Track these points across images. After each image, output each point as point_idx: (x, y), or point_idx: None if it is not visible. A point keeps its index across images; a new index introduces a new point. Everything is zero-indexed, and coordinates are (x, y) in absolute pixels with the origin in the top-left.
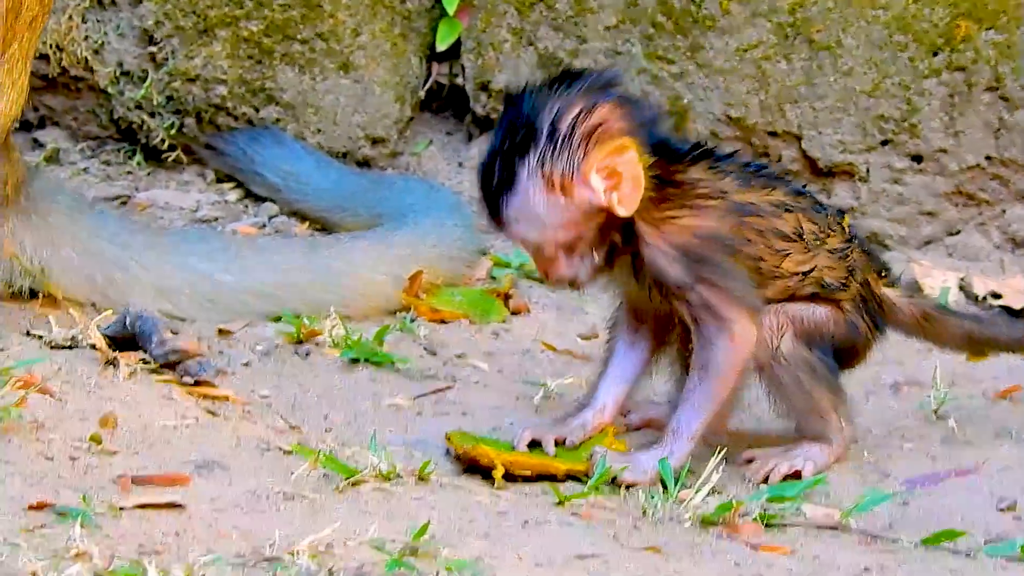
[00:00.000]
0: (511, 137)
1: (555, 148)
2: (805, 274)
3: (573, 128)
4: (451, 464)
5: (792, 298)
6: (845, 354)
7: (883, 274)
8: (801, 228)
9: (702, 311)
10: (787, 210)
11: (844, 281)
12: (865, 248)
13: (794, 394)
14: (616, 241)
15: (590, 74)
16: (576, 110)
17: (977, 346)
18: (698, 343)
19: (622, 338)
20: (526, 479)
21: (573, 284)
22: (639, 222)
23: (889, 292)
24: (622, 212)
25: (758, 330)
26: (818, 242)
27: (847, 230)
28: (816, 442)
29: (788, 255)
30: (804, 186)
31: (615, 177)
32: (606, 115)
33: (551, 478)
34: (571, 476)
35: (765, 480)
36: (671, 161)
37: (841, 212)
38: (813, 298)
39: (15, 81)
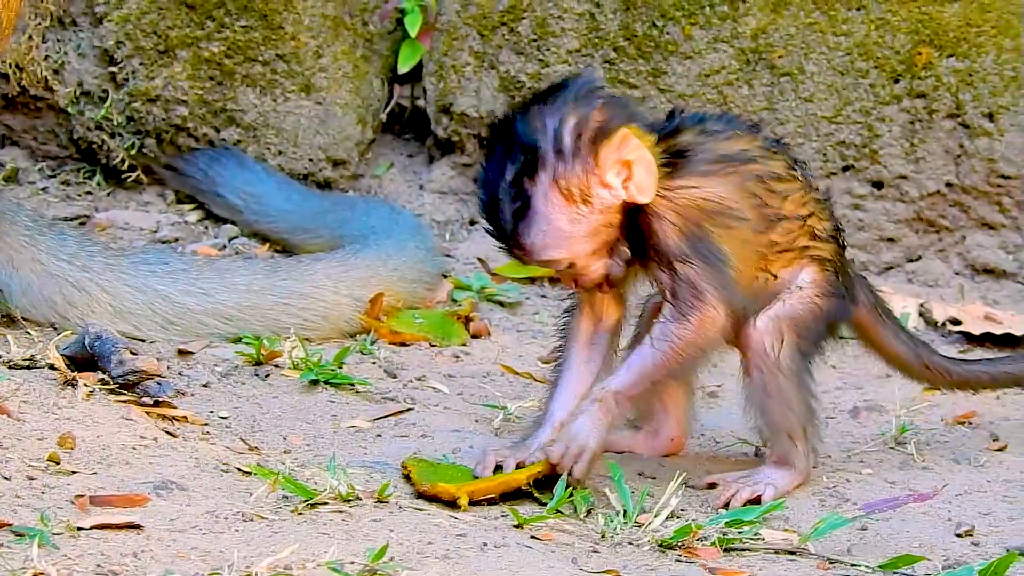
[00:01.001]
0: (513, 164)
1: (565, 161)
2: (804, 219)
3: (578, 137)
4: (410, 487)
5: (785, 251)
6: (822, 339)
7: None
8: (794, 167)
9: (685, 288)
10: (774, 154)
11: (832, 233)
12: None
13: (778, 408)
14: (632, 227)
15: (569, 84)
16: (573, 120)
17: (898, 365)
18: (668, 315)
19: (576, 351)
20: (491, 502)
21: (608, 282)
22: (653, 199)
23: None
24: (643, 199)
25: (728, 321)
26: (807, 187)
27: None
28: (779, 466)
29: (788, 196)
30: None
31: (627, 168)
32: (601, 116)
33: (516, 493)
34: (537, 482)
35: (726, 505)
36: (663, 136)
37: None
38: (799, 255)
39: None
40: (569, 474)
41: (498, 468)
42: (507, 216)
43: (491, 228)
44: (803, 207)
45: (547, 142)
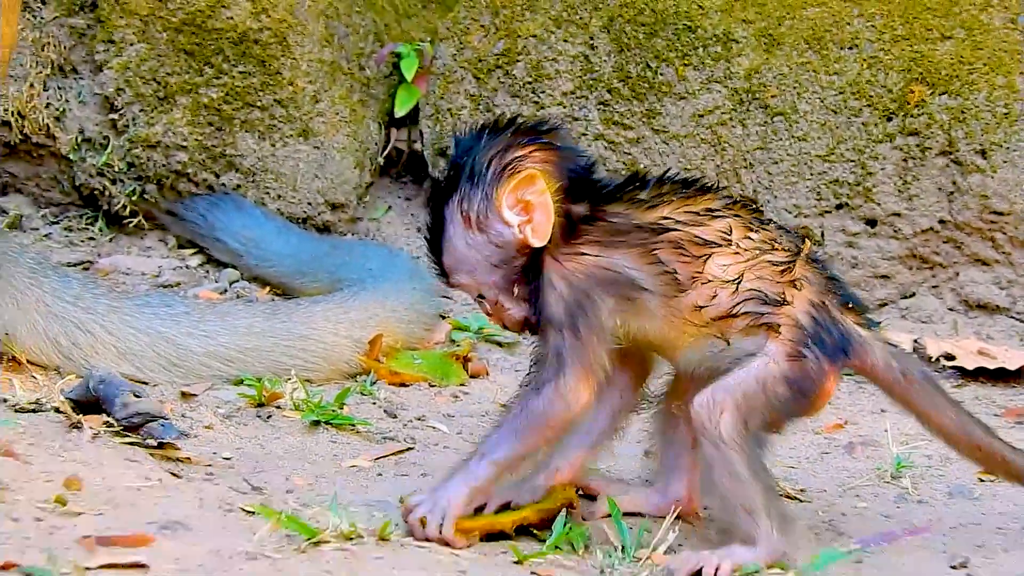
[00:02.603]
0: (441, 181)
1: (471, 187)
2: (736, 284)
3: (487, 166)
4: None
5: (729, 317)
6: (798, 401)
7: (850, 305)
8: (730, 232)
9: (552, 356)
10: (716, 216)
11: (782, 296)
12: (830, 275)
13: (727, 483)
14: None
15: (517, 120)
16: (493, 151)
17: (955, 441)
18: (532, 383)
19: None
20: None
21: (531, 329)
22: (548, 257)
23: (859, 328)
24: (535, 243)
25: (589, 396)
26: (756, 251)
27: (800, 249)
28: (744, 544)
29: (710, 258)
30: (753, 203)
31: (528, 209)
32: (521, 153)
33: (500, 535)
34: (523, 529)
35: None
36: (597, 201)
37: (801, 236)
38: (752, 323)
39: None
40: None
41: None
42: (427, 233)
43: (427, 245)
44: (729, 270)
45: (466, 167)
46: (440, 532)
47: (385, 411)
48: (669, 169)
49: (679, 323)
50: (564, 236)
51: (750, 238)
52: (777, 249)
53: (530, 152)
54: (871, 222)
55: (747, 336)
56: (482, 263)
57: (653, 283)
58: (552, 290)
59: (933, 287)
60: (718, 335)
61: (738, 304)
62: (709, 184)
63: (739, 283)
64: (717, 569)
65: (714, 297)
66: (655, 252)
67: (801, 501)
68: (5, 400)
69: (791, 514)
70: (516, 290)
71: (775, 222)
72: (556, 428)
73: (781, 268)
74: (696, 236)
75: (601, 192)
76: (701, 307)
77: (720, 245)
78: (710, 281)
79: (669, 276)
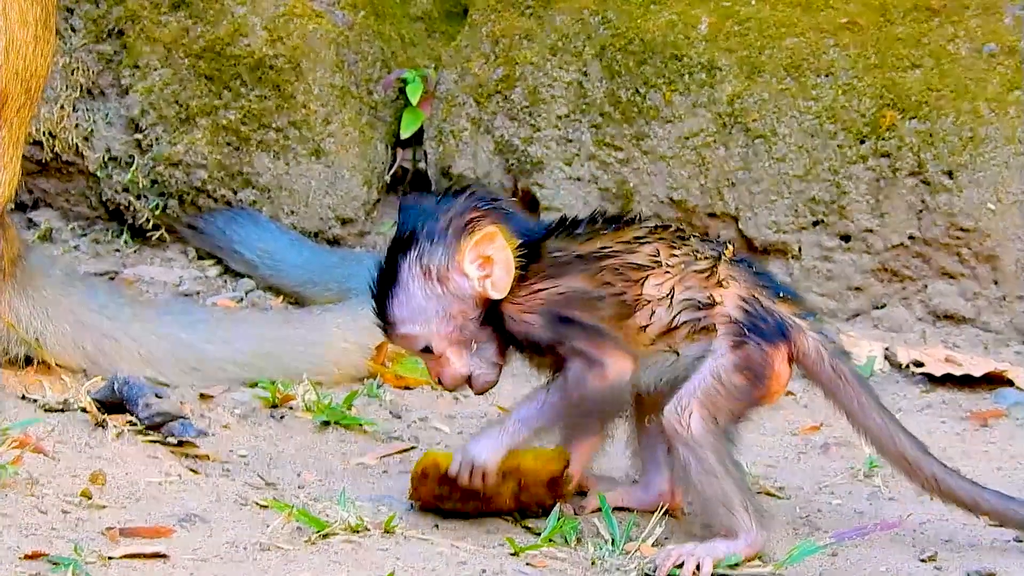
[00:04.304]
0: (395, 239)
1: (431, 243)
2: (670, 298)
3: (448, 226)
4: (415, 518)
5: (672, 331)
6: (755, 387)
7: (781, 294)
8: (658, 255)
9: (573, 356)
10: (643, 243)
11: (711, 298)
12: (758, 271)
13: (706, 480)
14: (497, 329)
15: (464, 190)
16: (450, 214)
17: (881, 447)
18: (576, 365)
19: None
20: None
21: (471, 385)
22: (506, 304)
23: (794, 317)
24: (495, 295)
25: (632, 365)
26: (682, 265)
27: (724, 254)
28: (725, 538)
29: (646, 280)
30: (670, 224)
31: (487, 264)
32: (476, 214)
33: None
34: (521, 512)
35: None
36: (536, 243)
37: (725, 243)
38: (692, 330)
39: (7, 164)
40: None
41: None
42: (376, 288)
43: (371, 296)
44: (662, 287)
45: (423, 227)
46: (470, 482)
47: (390, 412)
48: (597, 209)
49: (631, 344)
50: (516, 281)
51: (675, 255)
52: (699, 259)
53: (480, 212)
54: (845, 238)
55: (692, 343)
56: (438, 315)
57: (607, 303)
58: (524, 325)
59: (903, 299)
60: (666, 348)
61: (675, 316)
62: (633, 216)
63: (672, 297)
64: (699, 564)
65: (653, 315)
66: (599, 276)
67: (780, 498)
68: (35, 400)
69: (765, 508)
70: (482, 348)
71: (695, 235)
72: (608, 399)
73: (705, 274)
74: (630, 262)
75: (539, 237)
76: (644, 327)
77: (652, 268)
78: (649, 302)
79: (617, 298)
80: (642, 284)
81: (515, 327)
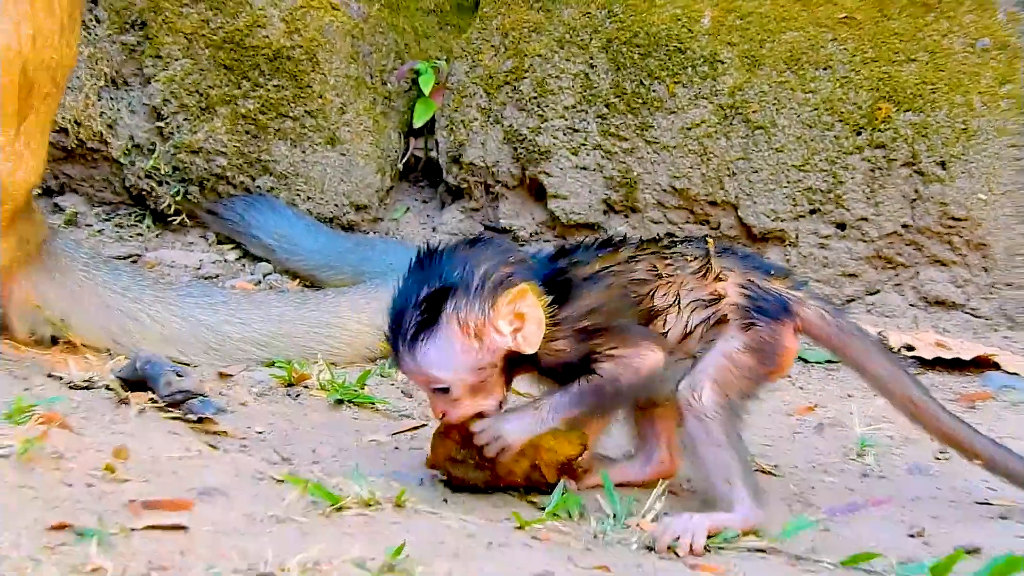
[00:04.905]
0: (430, 287)
1: (470, 299)
2: (677, 304)
3: (483, 282)
4: (425, 493)
5: (689, 335)
6: (765, 365)
7: (772, 272)
8: (655, 268)
9: (610, 352)
10: (637, 260)
11: (716, 292)
12: (743, 255)
13: (712, 451)
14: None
15: (492, 240)
16: (485, 267)
17: (888, 391)
18: (601, 371)
19: None
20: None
21: (482, 415)
22: (553, 332)
23: (790, 290)
24: (527, 350)
25: (663, 353)
26: (677, 270)
27: (709, 251)
28: (723, 512)
29: (653, 293)
30: (655, 236)
31: (520, 320)
32: (508, 269)
33: (505, 489)
34: (526, 488)
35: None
36: (549, 279)
37: (704, 238)
38: (706, 328)
39: (34, 151)
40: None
41: None
42: (410, 327)
43: (390, 332)
44: (670, 294)
45: (462, 278)
46: (493, 452)
47: (402, 391)
48: (584, 239)
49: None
50: (552, 315)
51: (668, 264)
52: (690, 261)
53: (511, 265)
54: (841, 226)
55: (708, 340)
56: (470, 365)
57: (630, 311)
58: (558, 354)
59: (896, 285)
60: (684, 356)
61: (687, 319)
62: (618, 238)
63: (679, 302)
64: (693, 537)
65: (666, 323)
66: (611, 291)
67: (775, 476)
68: (61, 378)
69: (762, 487)
70: (495, 391)
71: (676, 239)
72: (640, 385)
73: (701, 273)
74: (633, 279)
75: (549, 273)
76: (664, 334)
77: (654, 281)
78: (660, 312)
79: (633, 309)
80: (652, 296)
81: (549, 360)
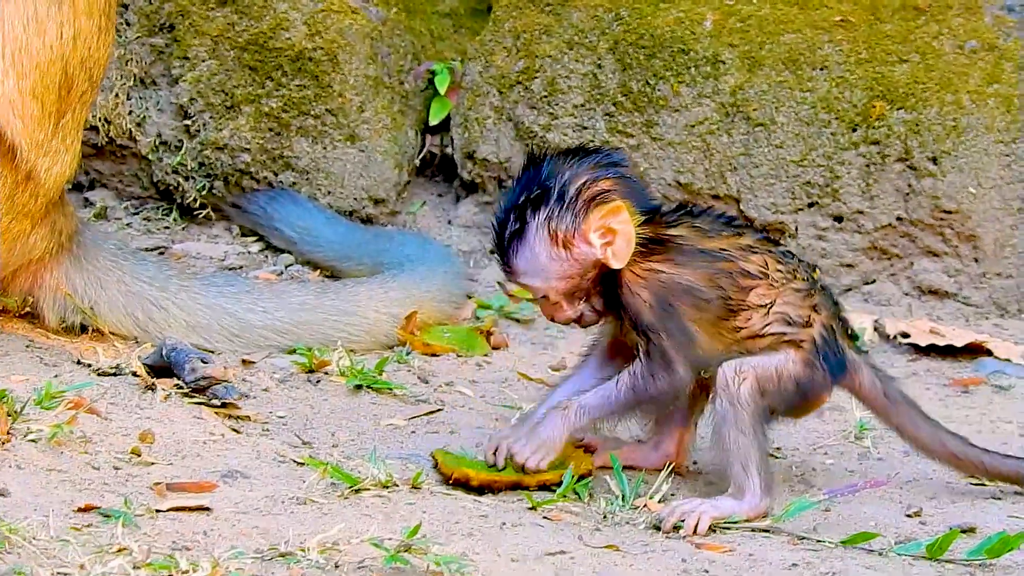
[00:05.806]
0: (526, 195)
1: (561, 209)
2: (768, 308)
3: (579, 193)
4: (439, 474)
5: (758, 337)
6: (798, 400)
7: (848, 332)
8: (767, 267)
9: (656, 353)
10: (754, 252)
11: (807, 319)
12: (835, 300)
13: (733, 435)
14: (607, 288)
15: (599, 151)
16: (583, 179)
17: (930, 451)
18: (641, 369)
19: (596, 357)
20: (506, 488)
21: (579, 322)
22: (626, 272)
23: (853, 352)
24: (616, 265)
25: (691, 378)
26: (784, 280)
27: (815, 279)
28: (732, 496)
29: (753, 289)
30: (775, 240)
31: (611, 235)
32: (606, 185)
33: (524, 488)
34: (543, 487)
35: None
36: (659, 223)
37: (812, 266)
38: (777, 341)
39: (69, 147)
40: (527, 467)
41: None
42: (505, 236)
43: (495, 242)
44: (767, 297)
45: (555, 187)
46: (537, 464)
47: (418, 377)
48: (711, 207)
49: (717, 337)
50: (639, 253)
51: (779, 270)
52: (798, 278)
53: (609, 182)
54: (838, 218)
55: (774, 352)
56: (559, 274)
57: (714, 303)
58: (636, 298)
59: (891, 275)
60: (744, 351)
61: (767, 325)
62: (743, 223)
63: (770, 308)
64: (699, 519)
65: (749, 320)
66: (715, 278)
67: (777, 458)
68: (89, 365)
69: (776, 478)
70: (591, 298)
71: (795, 255)
72: (663, 403)
73: (803, 294)
74: (744, 269)
75: (661, 216)
76: (739, 328)
77: (760, 278)
78: (749, 308)
79: (724, 300)
80: (749, 292)
81: (627, 297)
